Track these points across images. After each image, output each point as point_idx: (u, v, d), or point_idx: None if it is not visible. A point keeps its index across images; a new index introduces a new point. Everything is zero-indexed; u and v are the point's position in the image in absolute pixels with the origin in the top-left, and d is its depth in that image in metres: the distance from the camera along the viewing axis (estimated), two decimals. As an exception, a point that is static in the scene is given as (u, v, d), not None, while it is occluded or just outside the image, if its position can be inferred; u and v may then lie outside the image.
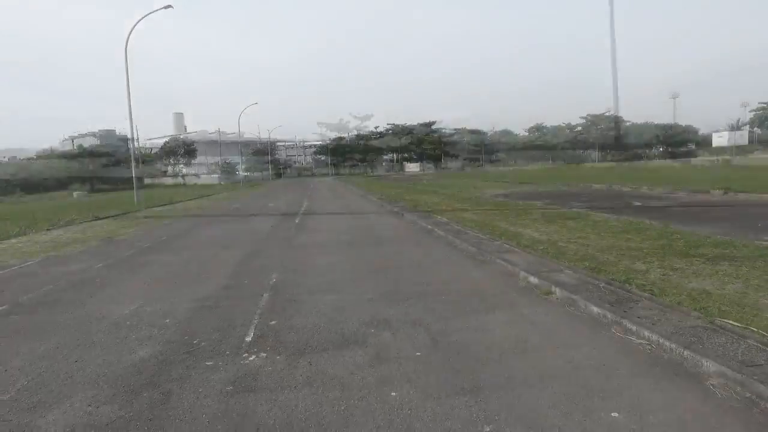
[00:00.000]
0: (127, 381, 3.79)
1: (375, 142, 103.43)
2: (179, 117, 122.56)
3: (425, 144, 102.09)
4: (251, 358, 4.15)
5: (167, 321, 5.27)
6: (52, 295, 6.63)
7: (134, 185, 25.61)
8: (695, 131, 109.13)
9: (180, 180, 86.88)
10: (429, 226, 11.80)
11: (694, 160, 63.57)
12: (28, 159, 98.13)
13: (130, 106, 25.37)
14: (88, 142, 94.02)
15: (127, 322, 5.30)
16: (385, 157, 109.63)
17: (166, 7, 23.44)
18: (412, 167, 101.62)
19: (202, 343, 4.54)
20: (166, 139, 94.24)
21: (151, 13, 23.85)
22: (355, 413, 3.18)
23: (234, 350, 4.35)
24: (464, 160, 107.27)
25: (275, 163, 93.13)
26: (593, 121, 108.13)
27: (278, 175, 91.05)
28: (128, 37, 24.72)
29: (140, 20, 24.44)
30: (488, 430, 2.92)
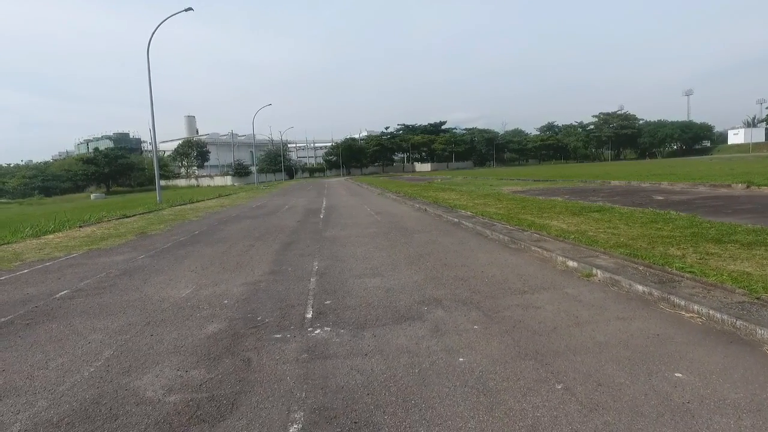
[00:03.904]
0: (206, 350, 4.06)
1: (385, 143, 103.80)
2: (191, 120, 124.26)
3: (436, 144, 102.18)
4: (317, 332, 4.39)
5: (225, 302, 5.55)
6: (107, 282, 6.95)
7: (157, 185, 26.16)
8: (710, 128, 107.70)
9: (193, 182, 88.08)
10: (455, 219, 11.99)
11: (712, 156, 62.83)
12: (45, 162, 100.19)
13: (152, 111, 25.90)
14: (103, 145, 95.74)
15: (187, 303, 5.58)
16: (395, 157, 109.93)
17: (187, 10, 23.92)
18: (423, 167, 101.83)
19: (266, 320, 4.80)
20: (179, 142, 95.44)
21: (172, 15, 24.35)
22: (429, 375, 3.39)
23: (298, 325, 4.59)
24: (475, 159, 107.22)
25: (287, 164, 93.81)
26: (605, 119, 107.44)
27: (290, 176, 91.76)
28: (149, 43, 25.26)
29: (162, 23, 24.94)
30: (560, 387, 3.12)
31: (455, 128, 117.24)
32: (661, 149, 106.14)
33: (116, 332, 4.65)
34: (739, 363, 3.35)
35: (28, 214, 25.89)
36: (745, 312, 4.05)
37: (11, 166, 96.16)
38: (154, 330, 4.67)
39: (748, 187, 16.58)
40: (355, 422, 2.83)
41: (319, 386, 3.30)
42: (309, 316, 4.87)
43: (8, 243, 11.53)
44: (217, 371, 3.62)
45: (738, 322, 3.86)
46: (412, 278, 6.24)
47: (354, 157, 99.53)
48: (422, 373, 3.43)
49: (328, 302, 5.32)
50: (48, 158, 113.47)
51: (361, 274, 6.66)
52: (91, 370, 3.75)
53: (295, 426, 2.81)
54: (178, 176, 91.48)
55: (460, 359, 3.63)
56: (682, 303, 4.44)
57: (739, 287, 4.76)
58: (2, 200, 67.99)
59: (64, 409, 3.12)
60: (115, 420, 2.96)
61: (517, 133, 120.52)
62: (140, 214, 19.48)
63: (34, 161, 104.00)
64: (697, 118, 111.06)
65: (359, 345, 4.02)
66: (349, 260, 7.68)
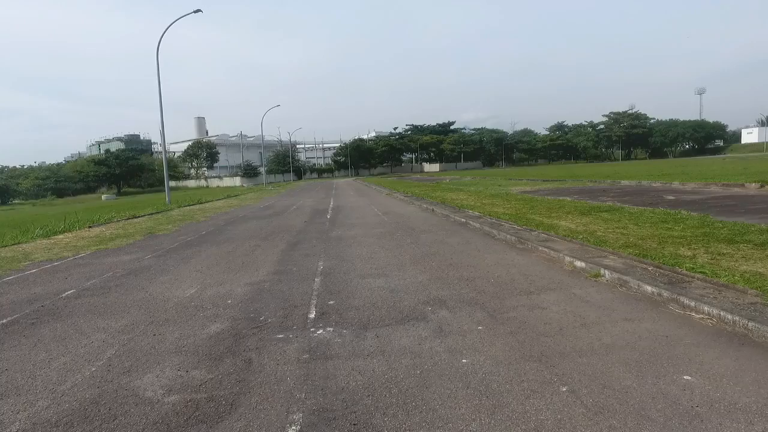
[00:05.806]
0: (208, 350, 4.04)
1: (394, 143, 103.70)
2: (201, 121, 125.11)
3: (444, 144, 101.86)
4: (319, 332, 4.35)
5: (229, 302, 5.53)
6: (113, 281, 6.98)
7: (167, 186, 26.36)
8: (723, 127, 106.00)
9: (203, 183, 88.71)
10: (462, 219, 11.91)
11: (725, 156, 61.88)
12: (57, 164, 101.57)
13: (162, 113, 26.08)
14: (114, 147, 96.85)
15: (191, 303, 5.58)
16: (404, 157, 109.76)
17: (196, 11, 24.08)
18: (432, 167, 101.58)
19: (269, 320, 4.77)
20: (189, 143, 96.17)
21: (181, 17, 24.52)
22: (431, 377, 3.34)
23: (300, 325, 4.56)
24: (484, 159, 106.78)
25: (296, 164, 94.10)
26: (616, 119, 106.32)
27: (299, 177, 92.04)
28: (159, 45, 25.46)
29: (171, 25, 25.14)
30: (565, 389, 3.05)
31: (464, 128, 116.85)
32: (673, 149, 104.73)
33: (119, 332, 4.65)
34: (750, 366, 3.25)
35: (40, 215, 26.23)
36: (757, 313, 3.93)
37: (25, 167, 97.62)
38: (157, 330, 4.66)
39: (762, 186, 16.27)
40: (354, 424, 2.78)
41: (319, 387, 3.26)
42: (312, 316, 4.83)
43: (19, 243, 11.66)
44: (217, 371, 3.60)
45: (750, 324, 3.76)
46: (417, 278, 6.18)
47: (362, 157, 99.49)
48: (424, 375, 3.37)
49: (331, 302, 5.28)
50: (60, 160, 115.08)
51: (366, 274, 6.62)
52: (93, 369, 3.74)
53: (294, 427, 2.77)
54: (188, 177, 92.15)
55: (463, 360, 3.57)
56: (692, 304, 4.34)
57: (752, 288, 4.64)
58: (16, 201, 69.08)
59: (64, 409, 3.11)
60: (114, 420, 2.94)
61: (527, 133, 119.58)
62: (149, 214, 19.64)
63: (47, 163, 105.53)
64: (710, 117, 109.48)
65: (361, 346, 3.98)
66: (355, 260, 7.65)
